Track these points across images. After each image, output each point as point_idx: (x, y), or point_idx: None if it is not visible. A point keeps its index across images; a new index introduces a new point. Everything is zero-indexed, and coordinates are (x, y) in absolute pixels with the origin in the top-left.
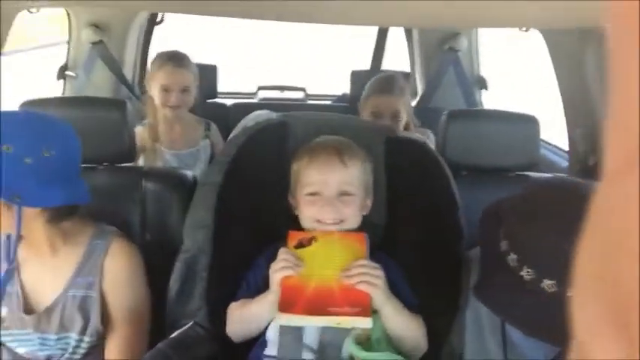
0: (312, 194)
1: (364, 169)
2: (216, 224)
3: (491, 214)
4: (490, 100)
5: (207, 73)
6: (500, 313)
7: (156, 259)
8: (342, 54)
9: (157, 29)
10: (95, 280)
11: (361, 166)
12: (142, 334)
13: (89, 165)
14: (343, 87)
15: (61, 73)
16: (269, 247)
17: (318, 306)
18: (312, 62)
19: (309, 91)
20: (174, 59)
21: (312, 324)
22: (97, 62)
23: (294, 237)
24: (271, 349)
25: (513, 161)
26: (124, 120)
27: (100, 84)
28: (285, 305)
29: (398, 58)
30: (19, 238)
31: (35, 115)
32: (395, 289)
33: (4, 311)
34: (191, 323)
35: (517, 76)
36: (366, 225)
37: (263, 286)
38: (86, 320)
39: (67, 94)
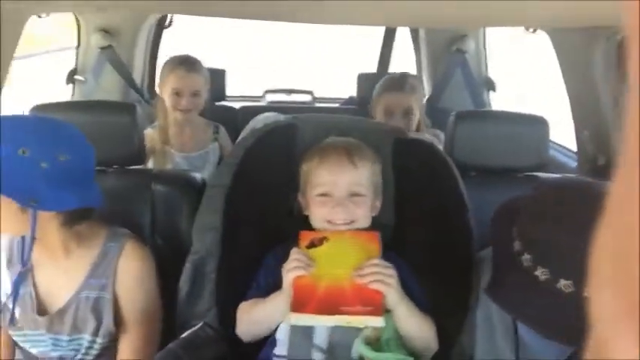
0: (323, 195)
1: (374, 170)
2: (224, 226)
3: (503, 214)
4: (498, 100)
5: (216, 77)
6: (515, 313)
7: (166, 261)
8: (349, 57)
9: (165, 33)
10: (108, 281)
11: (371, 167)
12: (154, 335)
13: (100, 168)
14: (350, 90)
15: (71, 78)
16: (278, 248)
17: (330, 305)
18: (319, 65)
19: (317, 94)
20: (186, 63)
21: (324, 323)
22: (106, 67)
23: (305, 237)
24: (281, 349)
25: (522, 162)
26: (134, 123)
27: (108, 88)
28: (298, 305)
29: (405, 60)
30: (34, 240)
31: (50, 119)
32: (406, 289)
33: (18, 312)
34: (201, 324)
35: (524, 77)
36: (375, 225)
37: (273, 286)
38: (99, 322)
39: (76, 98)
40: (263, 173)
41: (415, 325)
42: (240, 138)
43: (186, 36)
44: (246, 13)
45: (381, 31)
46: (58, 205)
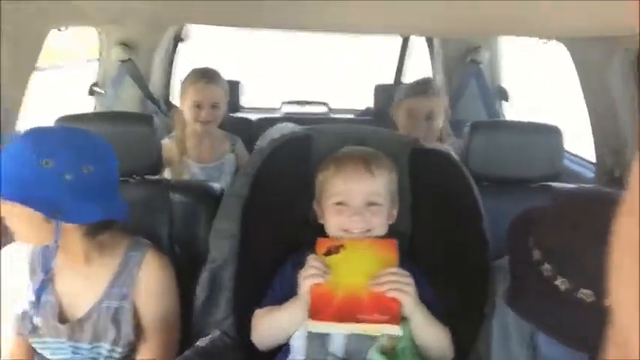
0: (339, 204)
1: (391, 179)
2: (241, 234)
3: (520, 223)
4: (511, 110)
5: (231, 89)
6: (536, 322)
7: (183, 270)
8: (364, 68)
9: (182, 47)
10: (129, 291)
11: (388, 175)
12: (173, 344)
13: (120, 178)
14: (366, 101)
15: (92, 90)
16: (294, 256)
17: (347, 313)
18: (335, 76)
19: (332, 106)
20: (207, 76)
21: (341, 331)
22: (126, 79)
23: (322, 244)
24: (297, 356)
25: (536, 172)
26: (153, 134)
27: (127, 100)
28: (315, 312)
29: (420, 72)
30: (56, 249)
31: (75, 131)
32: (421, 297)
33: (39, 320)
34: (217, 332)
35: (538, 87)
36: (391, 233)
37: (289, 294)
38: (119, 331)
39: (97, 109)
40: (279, 182)
41: (431, 334)
42: (256, 147)
43: (202, 48)
44: (259, 22)
45: (397, 42)
46: (81, 217)
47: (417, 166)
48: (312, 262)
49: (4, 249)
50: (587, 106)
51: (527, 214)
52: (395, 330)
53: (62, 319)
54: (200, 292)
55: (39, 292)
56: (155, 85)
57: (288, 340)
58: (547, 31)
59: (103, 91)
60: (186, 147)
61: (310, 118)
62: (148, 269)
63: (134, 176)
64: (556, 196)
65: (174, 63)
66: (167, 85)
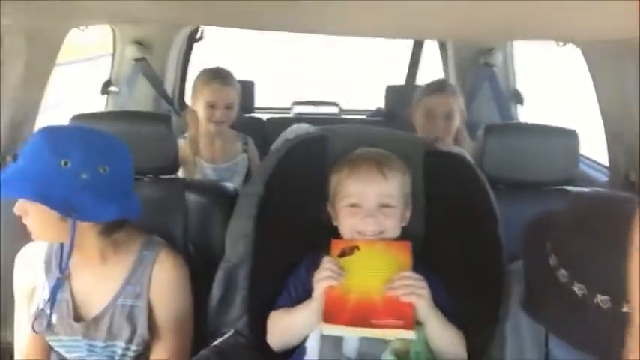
0: (352, 206)
1: (404, 181)
2: (256, 234)
3: (535, 228)
4: (526, 113)
5: (245, 89)
6: (552, 328)
7: (198, 269)
8: (375, 69)
9: (195, 46)
10: (143, 289)
11: (401, 178)
12: (187, 342)
13: (135, 177)
14: (377, 102)
15: (105, 89)
16: (309, 257)
17: (361, 317)
18: (346, 77)
19: (344, 106)
20: (220, 76)
21: (355, 335)
22: (140, 78)
23: (337, 245)
24: (311, 357)
25: (551, 176)
26: (170, 133)
27: (141, 99)
28: (329, 315)
29: (433, 74)
30: (72, 248)
31: (92, 131)
32: (435, 300)
33: (55, 318)
34: (232, 331)
35: (552, 89)
36: (404, 236)
37: (303, 295)
38: (133, 329)
39: (110, 107)
40: (294, 183)
41: (445, 338)
42: (272, 148)
43: (216, 48)
44: (260, 24)
45: (408, 43)
46: (97, 216)
47: (431, 169)
48: (327, 263)
49: (23, 248)
50: (600, 108)
51: (543, 219)
52: (409, 335)
53: (77, 317)
54: (215, 291)
55: (55, 290)
56: (169, 84)
57: (303, 341)
58: (562, 34)
59: (117, 90)
60: (199, 147)
61: (321, 118)
62: (162, 268)
63: (148, 175)
64: (573, 201)
65: (188, 62)
66: (181, 84)
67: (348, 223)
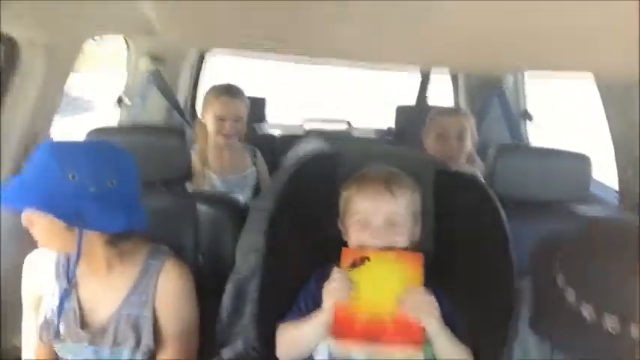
0: (361, 222)
1: (413, 199)
2: (267, 248)
3: (545, 247)
4: (536, 135)
5: (257, 105)
6: (559, 347)
7: (207, 281)
8: (386, 89)
9: (208, 59)
10: (149, 298)
11: (410, 196)
12: (192, 352)
13: (147, 188)
14: (387, 121)
15: (119, 100)
16: (319, 271)
17: (370, 334)
18: (357, 96)
19: (354, 125)
20: (230, 91)
21: (363, 353)
22: (153, 90)
23: (347, 255)
24: None
25: (562, 198)
26: (184, 146)
27: (153, 111)
28: (338, 331)
29: (443, 94)
30: (79, 258)
31: (99, 144)
32: (445, 318)
33: (62, 326)
34: (241, 343)
35: (563, 112)
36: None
37: (313, 308)
38: (138, 338)
39: (123, 119)
40: (305, 198)
41: (454, 356)
42: (283, 164)
43: (227, 62)
44: (283, 49)
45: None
46: (104, 227)
47: (442, 188)
48: (336, 275)
49: (29, 256)
50: (610, 131)
51: (552, 239)
52: (417, 354)
53: (84, 325)
54: (225, 303)
55: (62, 299)
56: (181, 97)
57: (312, 354)
58: (575, 67)
59: (129, 102)
60: (208, 159)
61: (332, 136)
62: (168, 277)
63: (161, 187)
64: (584, 223)
65: (200, 75)
66: (193, 97)
67: (356, 240)
